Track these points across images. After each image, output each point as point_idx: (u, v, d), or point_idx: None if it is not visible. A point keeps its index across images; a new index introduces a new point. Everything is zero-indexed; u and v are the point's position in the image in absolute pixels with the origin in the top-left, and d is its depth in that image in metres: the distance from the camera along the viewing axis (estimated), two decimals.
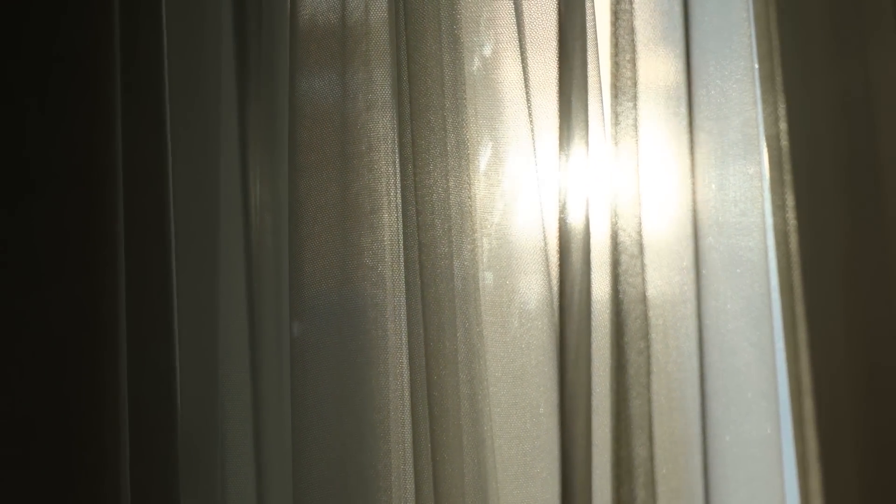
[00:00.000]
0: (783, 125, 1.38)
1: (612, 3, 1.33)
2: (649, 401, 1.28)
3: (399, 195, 1.29)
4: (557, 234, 1.27)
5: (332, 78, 1.31)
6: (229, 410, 1.33)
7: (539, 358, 1.28)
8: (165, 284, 1.24)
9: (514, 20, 1.31)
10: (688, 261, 1.32)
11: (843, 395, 1.33)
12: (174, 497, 1.21)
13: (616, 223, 1.30)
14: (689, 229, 1.32)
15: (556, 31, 1.30)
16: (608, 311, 1.30)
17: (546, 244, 1.29)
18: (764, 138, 1.37)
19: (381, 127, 1.30)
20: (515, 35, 1.31)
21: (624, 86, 1.33)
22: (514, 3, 1.31)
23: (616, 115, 1.32)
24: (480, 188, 1.30)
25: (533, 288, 1.29)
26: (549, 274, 1.28)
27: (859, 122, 1.37)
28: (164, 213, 1.24)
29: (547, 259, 1.29)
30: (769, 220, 1.37)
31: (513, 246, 1.30)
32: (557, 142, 1.29)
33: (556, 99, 1.29)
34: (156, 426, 1.23)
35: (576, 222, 1.28)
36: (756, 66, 1.37)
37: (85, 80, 1.20)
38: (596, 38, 1.32)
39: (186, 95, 1.34)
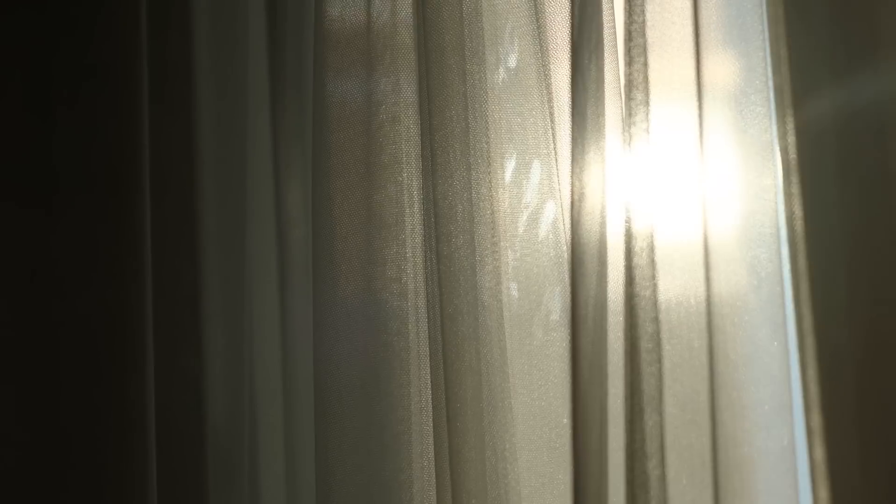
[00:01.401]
0: (792, 138, 1.39)
1: (625, 14, 1.33)
2: (663, 412, 1.28)
3: (421, 207, 1.29)
4: (571, 243, 1.27)
5: (355, 88, 1.30)
6: (260, 420, 1.32)
7: (562, 369, 1.28)
8: (194, 292, 1.23)
9: (534, 30, 1.31)
10: (702, 271, 1.32)
11: (851, 407, 1.34)
12: None
13: (629, 232, 1.31)
14: (703, 239, 1.32)
15: (570, 40, 1.30)
16: (622, 321, 1.30)
17: (570, 253, 1.29)
18: (778, 149, 1.38)
19: (405, 138, 1.30)
20: (536, 45, 1.31)
21: (638, 97, 1.33)
22: (536, 15, 1.31)
23: (630, 125, 1.32)
24: (503, 200, 1.30)
25: (556, 298, 1.29)
26: (573, 284, 1.28)
27: (867, 134, 1.38)
28: (192, 220, 1.23)
29: (572, 269, 1.28)
30: (783, 232, 1.37)
31: (537, 256, 1.30)
32: (571, 151, 1.29)
33: (569, 107, 1.29)
34: (184, 435, 1.22)
35: (591, 231, 1.27)
36: (770, 76, 1.37)
37: (114, 88, 1.20)
38: (615, 46, 1.31)
39: (215, 99, 1.33)
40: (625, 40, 1.33)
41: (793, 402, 1.32)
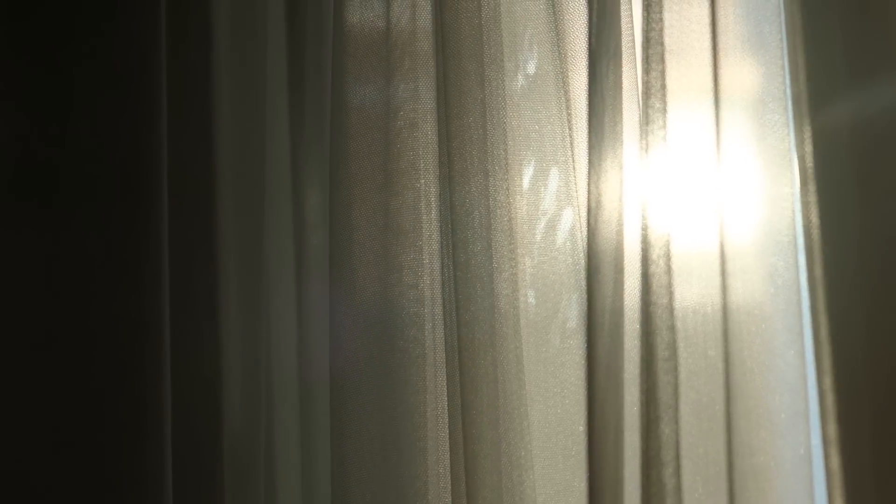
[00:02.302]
0: (809, 147, 1.39)
1: (643, 22, 1.33)
2: (677, 419, 1.28)
3: (438, 214, 1.29)
4: (587, 251, 1.27)
5: (373, 94, 1.30)
6: (276, 426, 1.32)
7: (578, 376, 1.28)
8: (212, 298, 1.24)
9: (553, 37, 1.31)
10: (718, 279, 1.32)
11: (867, 417, 1.33)
12: None
13: (646, 240, 1.31)
14: (719, 248, 1.32)
15: (587, 47, 1.31)
16: (638, 328, 1.30)
17: (588, 261, 1.29)
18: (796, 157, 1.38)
19: (423, 145, 1.30)
20: (555, 52, 1.31)
21: (655, 105, 1.33)
22: (555, 22, 1.31)
23: (647, 133, 1.33)
24: (521, 207, 1.30)
25: (573, 306, 1.29)
26: (589, 291, 1.28)
27: (883, 144, 1.38)
28: (211, 227, 1.23)
29: (588, 276, 1.28)
30: (800, 241, 1.37)
31: (554, 264, 1.30)
32: (588, 158, 1.29)
33: (586, 114, 1.29)
34: (201, 441, 1.23)
35: (608, 239, 1.27)
36: (788, 85, 1.37)
37: (133, 96, 1.20)
38: (634, 54, 1.32)
39: (234, 105, 1.33)
40: (643, 47, 1.33)
41: (809, 411, 1.32)
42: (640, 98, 1.33)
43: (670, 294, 1.30)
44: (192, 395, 1.23)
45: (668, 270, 1.30)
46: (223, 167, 1.29)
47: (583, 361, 1.27)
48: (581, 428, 1.27)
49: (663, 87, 1.33)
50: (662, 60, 1.33)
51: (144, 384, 1.17)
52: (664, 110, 1.32)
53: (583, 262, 1.29)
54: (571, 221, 1.31)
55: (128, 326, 1.18)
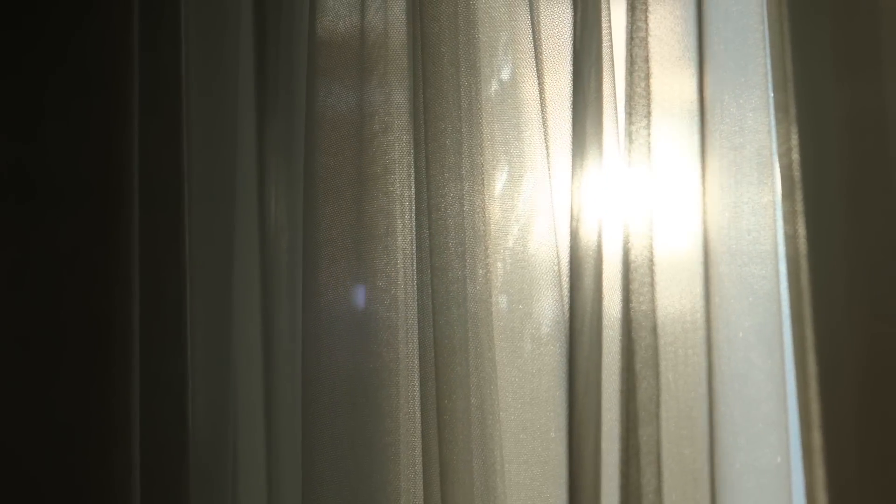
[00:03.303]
0: (795, 156, 1.38)
1: (627, 28, 1.33)
2: (658, 428, 1.28)
3: (413, 218, 1.29)
4: (569, 257, 1.27)
5: (349, 98, 1.31)
6: (242, 426, 1.32)
7: (551, 382, 1.28)
8: (179, 298, 1.24)
9: (531, 42, 1.31)
10: (699, 287, 1.31)
11: (852, 427, 1.33)
12: None
13: (628, 247, 1.31)
14: (701, 256, 1.32)
15: (571, 53, 1.31)
16: (619, 335, 1.30)
17: (560, 267, 1.29)
18: (778, 167, 1.37)
19: (397, 149, 1.30)
20: (533, 57, 1.31)
21: (637, 111, 1.33)
22: (532, 26, 1.31)
23: (630, 139, 1.33)
24: (495, 211, 1.30)
25: (546, 312, 1.29)
26: (562, 298, 1.28)
27: (871, 153, 1.37)
28: (179, 226, 1.24)
29: (560, 283, 1.29)
30: (782, 250, 1.36)
31: (527, 269, 1.30)
32: (571, 164, 1.29)
33: (570, 121, 1.29)
34: (167, 443, 1.22)
35: (588, 245, 1.27)
36: (771, 95, 1.37)
37: (104, 92, 1.21)
38: (612, 61, 1.32)
39: (204, 109, 1.34)
40: (626, 54, 1.33)
41: (788, 421, 1.32)
42: (625, 103, 1.33)
43: (652, 301, 1.30)
44: (160, 397, 1.23)
45: (650, 277, 1.30)
46: (193, 169, 1.29)
47: (556, 367, 1.27)
48: (553, 434, 1.27)
49: (647, 93, 1.33)
50: (647, 66, 1.33)
51: (113, 386, 1.17)
52: (648, 115, 1.32)
53: (556, 268, 1.29)
54: (546, 227, 1.31)
55: (97, 328, 1.18)
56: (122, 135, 1.20)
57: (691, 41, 1.35)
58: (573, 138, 1.29)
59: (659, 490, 1.27)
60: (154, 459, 1.22)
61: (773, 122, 1.36)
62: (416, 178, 1.29)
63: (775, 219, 1.34)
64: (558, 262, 1.29)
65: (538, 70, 1.32)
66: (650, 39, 1.34)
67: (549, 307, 1.29)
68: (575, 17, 1.31)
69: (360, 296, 1.28)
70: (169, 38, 1.26)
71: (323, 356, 1.27)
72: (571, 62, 1.31)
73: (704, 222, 1.33)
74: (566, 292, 1.28)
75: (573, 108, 1.30)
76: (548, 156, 1.31)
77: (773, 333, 1.32)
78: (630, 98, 1.33)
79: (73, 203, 1.21)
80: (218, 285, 1.32)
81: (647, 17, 1.35)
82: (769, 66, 1.37)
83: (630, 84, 1.33)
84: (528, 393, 1.28)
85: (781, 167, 1.38)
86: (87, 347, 1.19)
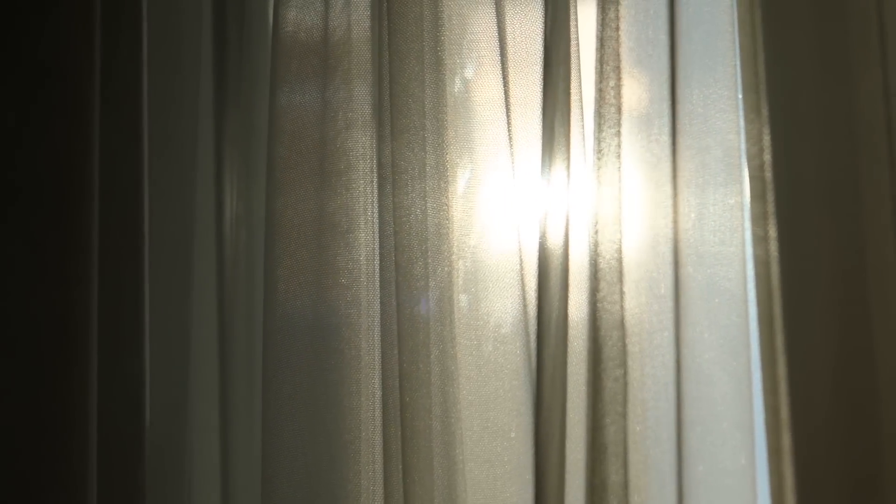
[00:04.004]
0: (767, 157, 1.38)
1: (597, 30, 1.33)
2: (624, 428, 1.28)
3: (376, 215, 1.29)
4: (536, 257, 1.28)
5: (312, 95, 1.30)
6: (198, 424, 1.32)
7: (512, 382, 1.28)
8: (138, 296, 1.24)
9: (496, 42, 1.31)
10: (666, 288, 1.31)
11: (821, 429, 1.33)
12: None
13: (596, 248, 1.31)
14: (668, 257, 1.32)
15: (542, 53, 1.31)
16: (585, 336, 1.30)
17: (522, 267, 1.29)
18: (746, 168, 1.37)
19: (361, 146, 1.30)
20: (498, 57, 1.31)
21: (607, 112, 1.33)
22: (498, 25, 1.31)
23: (598, 140, 1.33)
24: (458, 210, 1.30)
25: (508, 311, 1.28)
26: (524, 297, 1.28)
27: (842, 154, 1.37)
28: (138, 225, 1.24)
29: (523, 282, 1.28)
30: (749, 251, 1.36)
31: (489, 268, 1.30)
32: (540, 164, 1.29)
33: (540, 121, 1.29)
34: (124, 437, 1.22)
35: (555, 246, 1.28)
36: (740, 96, 1.37)
37: (65, 92, 1.20)
38: (579, 62, 1.32)
39: (164, 108, 1.34)
40: (596, 54, 1.33)
41: (754, 423, 1.31)
42: (594, 104, 1.33)
43: (620, 304, 1.30)
44: (118, 394, 1.23)
45: (619, 277, 1.31)
46: (153, 165, 1.29)
47: (517, 367, 1.27)
48: (514, 434, 1.27)
49: (617, 92, 1.33)
50: (618, 67, 1.33)
51: (71, 382, 1.17)
52: (618, 115, 1.33)
53: (518, 267, 1.29)
54: (507, 227, 1.31)
55: (55, 325, 1.18)
56: (81, 131, 1.20)
57: (661, 45, 1.35)
58: (542, 139, 1.29)
59: (624, 489, 1.27)
60: (111, 454, 1.22)
61: (741, 124, 1.37)
62: (379, 174, 1.29)
63: (742, 220, 1.34)
64: (521, 262, 1.29)
65: (503, 69, 1.32)
66: (620, 43, 1.34)
67: (511, 306, 1.29)
68: (546, 17, 1.31)
69: (321, 292, 1.28)
70: (129, 31, 1.26)
71: (283, 352, 1.26)
72: (542, 62, 1.31)
73: (672, 223, 1.33)
74: (530, 292, 1.28)
75: (543, 109, 1.30)
76: (512, 155, 1.31)
77: (738, 335, 1.32)
78: (599, 101, 1.33)
79: (31, 199, 1.20)
80: (175, 280, 1.32)
81: (618, 16, 1.35)
82: (738, 68, 1.37)
83: (599, 87, 1.34)
84: (490, 392, 1.28)
85: (752, 168, 1.38)
86: (44, 344, 1.19)
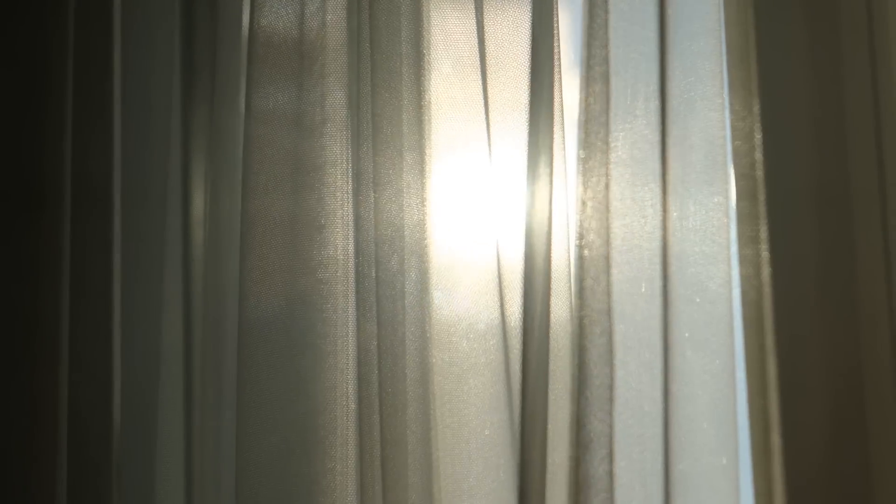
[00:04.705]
0: (759, 155, 1.38)
1: (584, 34, 1.34)
2: (611, 426, 1.28)
3: (352, 211, 1.29)
4: (522, 254, 1.28)
5: (288, 91, 1.30)
6: (164, 420, 1.32)
7: (487, 379, 1.27)
8: (106, 292, 1.24)
9: (476, 41, 1.31)
10: (649, 287, 1.31)
11: (811, 430, 1.32)
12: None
13: (581, 246, 1.31)
14: (653, 255, 1.32)
15: (526, 51, 1.31)
16: (570, 334, 1.30)
17: (499, 265, 1.29)
18: (732, 167, 1.37)
19: (338, 142, 1.30)
20: (477, 56, 1.31)
21: (593, 111, 1.33)
22: (477, 24, 1.32)
23: (584, 139, 1.33)
24: (434, 207, 1.30)
25: (482, 309, 1.28)
26: (501, 295, 1.28)
27: (833, 154, 1.37)
28: (107, 222, 1.24)
29: (500, 280, 1.28)
30: (734, 250, 1.36)
31: (464, 266, 1.30)
32: (525, 161, 1.29)
33: (524, 120, 1.29)
34: (91, 434, 1.22)
35: (539, 243, 1.28)
36: (727, 96, 1.37)
37: (38, 98, 1.22)
38: (560, 63, 1.32)
39: (137, 103, 1.35)
40: (583, 53, 1.34)
41: (737, 423, 1.31)
42: (579, 106, 1.33)
43: (607, 303, 1.30)
44: (85, 388, 1.23)
45: (605, 277, 1.31)
46: (124, 163, 1.30)
47: (491, 365, 1.27)
48: (487, 432, 1.27)
49: (605, 91, 1.33)
50: (606, 65, 1.34)
51: (41, 382, 1.18)
52: (606, 122, 1.33)
53: (494, 265, 1.29)
54: (485, 225, 1.31)
55: (24, 319, 1.19)
56: (55, 129, 1.21)
57: (651, 43, 1.36)
58: (528, 136, 1.30)
59: (611, 473, 1.27)
60: (79, 449, 1.22)
61: (728, 122, 1.36)
62: (355, 170, 1.29)
63: (727, 219, 1.34)
64: (497, 259, 1.29)
65: (483, 68, 1.32)
66: (610, 37, 1.34)
67: (486, 303, 1.29)
68: (532, 16, 1.31)
69: (297, 289, 1.28)
70: (101, 42, 1.27)
71: (259, 348, 1.26)
72: (529, 60, 1.31)
73: (661, 221, 1.33)
74: (508, 290, 1.28)
75: (529, 106, 1.30)
76: (490, 154, 1.31)
77: (721, 334, 1.31)
78: (585, 100, 1.34)
79: (3, 199, 1.22)
80: (145, 279, 1.32)
81: (606, 16, 1.35)
82: (725, 66, 1.37)
83: (586, 87, 1.34)
84: (464, 389, 1.28)
85: (742, 166, 1.38)
86: (15, 337, 1.19)
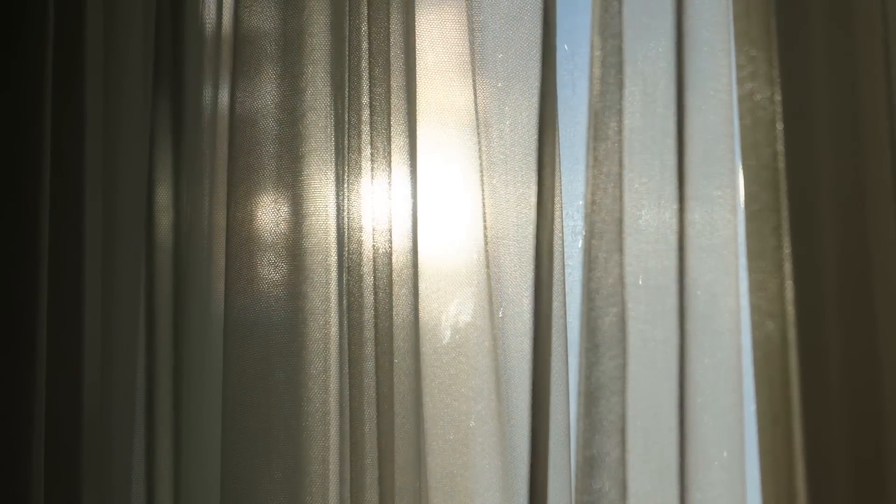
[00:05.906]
0: (780, 147, 1.37)
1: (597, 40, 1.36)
2: (624, 404, 1.28)
3: (335, 202, 1.29)
4: (533, 243, 1.29)
5: (269, 81, 1.30)
6: (143, 415, 1.35)
7: (472, 369, 1.28)
8: (78, 289, 1.26)
9: (467, 37, 1.33)
10: (665, 276, 1.32)
11: (834, 423, 1.31)
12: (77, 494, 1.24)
13: (589, 249, 1.32)
14: (677, 254, 1.32)
15: (539, 65, 1.32)
16: (579, 322, 1.31)
17: (487, 256, 1.29)
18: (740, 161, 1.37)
19: (321, 131, 1.30)
20: (468, 53, 1.32)
21: (609, 97, 1.35)
22: (468, 15, 1.33)
23: (594, 137, 1.34)
24: (421, 197, 1.30)
25: (468, 300, 1.29)
26: (489, 287, 1.29)
27: (848, 152, 1.35)
28: (79, 220, 1.27)
29: (488, 271, 1.29)
30: (741, 243, 1.35)
31: (449, 258, 1.29)
32: (530, 152, 1.31)
33: (518, 115, 1.31)
34: (63, 431, 1.24)
35: (528, 234, 1.29)
36: (735, 88, 1.37)
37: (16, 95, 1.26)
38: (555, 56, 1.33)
39: (111, 103, 1.36)
40: (598, 76, 1.35)
41: (744, 416, 1.31)
42: (591, 109, 1.35)
43: (622, 287, 1.31)
44: (62, 386, 1.25)
45: (620, 278, 1.32)
46: (97, 157, 1.32)
47: (478, 357, 1.28)
48: (472, 423, 1.27)
49: (620, 86, 1.35)
50: (620, 56, 1.35)
51: (19, 377, 1.20)
52: (619, 104, 1.34)
53: (483, 256, 1.30)
54: (471, 218, 1.31)
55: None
56: (32, 111, 1.24)
57: (668, 36, 1.36)
58: (538, 138, 1.31)
59: (622, 456, 1.27)
60: (54, 445, 1.24)
61: (735, 120, 1.36)
62: (337, 161, 1.29)
63: (736, 213, 1.33)
64: (486, 250, 1.30)
65: (472, 67, 1.32)
66: (624, 34, 1.36)
67: (471, 295, 1.29)
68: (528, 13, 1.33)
69: (280, 286, 1.27)
70: (74, 41, 1.29)
71: (244, 339, 1.26)
72: (540, 72, 1.32)
73: (678, 212, 1.33)
74: (495, 283, 1.29)
75: (540, 115, 1.32)
76: (480, 148, 1.32)
77: (728, 328, 1.31)
78: (602, 83, 1.35)
79: None
80: (124, 276, 1.33)
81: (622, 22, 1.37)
82: (733, 63, 1.37)
83: (601, 83, 1.35)
84: (447, 380, 1.28)
85: (762, 157, 1.37)
86: None
